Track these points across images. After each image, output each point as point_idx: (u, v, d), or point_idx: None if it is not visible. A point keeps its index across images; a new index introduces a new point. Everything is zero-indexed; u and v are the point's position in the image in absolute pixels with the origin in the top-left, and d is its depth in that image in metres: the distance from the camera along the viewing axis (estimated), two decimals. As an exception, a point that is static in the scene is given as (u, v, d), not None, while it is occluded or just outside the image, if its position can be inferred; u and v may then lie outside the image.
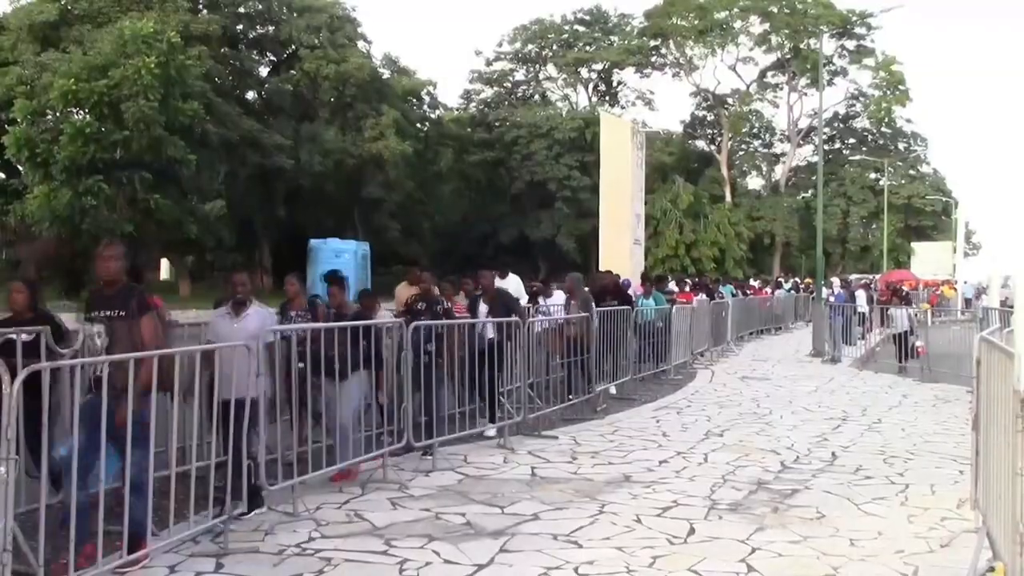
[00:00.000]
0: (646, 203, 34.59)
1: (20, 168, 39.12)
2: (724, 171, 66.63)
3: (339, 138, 48.53)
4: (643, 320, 15.38)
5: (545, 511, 7.07)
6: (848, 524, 6.77)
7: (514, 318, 10.36)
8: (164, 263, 54.61)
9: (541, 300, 14.47)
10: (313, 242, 37.29)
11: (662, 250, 57.00)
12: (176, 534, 5.86)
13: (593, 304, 12.66)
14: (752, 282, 38.48)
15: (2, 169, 47.17)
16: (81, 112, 35.30)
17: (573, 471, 8.59)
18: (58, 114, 35.31)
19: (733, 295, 25.45)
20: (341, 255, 34.82)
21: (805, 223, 63.16)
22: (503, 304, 10.67)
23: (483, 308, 10.65)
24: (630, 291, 17.06)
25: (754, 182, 74.89)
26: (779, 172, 71.22)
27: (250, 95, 52.81)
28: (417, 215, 57.99)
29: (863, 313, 24.10)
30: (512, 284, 13.74)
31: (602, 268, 19.61)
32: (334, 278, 8.96)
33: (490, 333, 10.23)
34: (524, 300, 13.78)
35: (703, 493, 7.68)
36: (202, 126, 37.29)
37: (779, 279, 42.40)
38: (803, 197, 68.20)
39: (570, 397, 11.90)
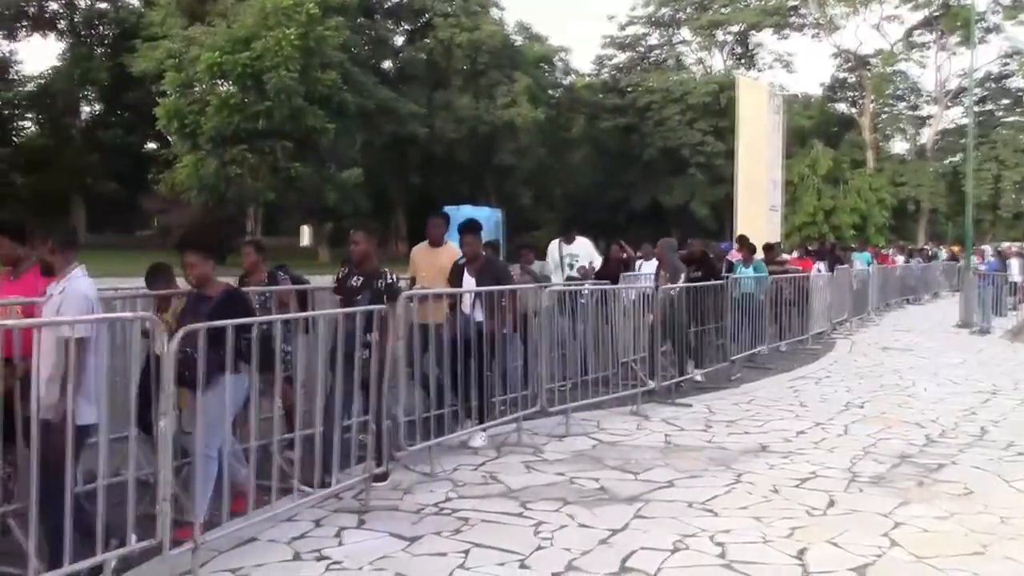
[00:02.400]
0: (783, 168, 33.71)
1: (170, 138, 40.96)
2: (866, 135, 64.20)
3: (472, 105, 48.98)
4: (740, 292, 13.05)
5: (679, 478, 7.02)
6: (998, 501, 6.49)
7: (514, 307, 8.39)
8: (305, 230, 56.39)
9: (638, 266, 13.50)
10: (446, 209, 37.78)
11: (799, 217, 55.42)
12: (320, 490, 6.05)
13: (683, 275, 11.44)
14: (882, 251, 36.78)
15: (154, 139, 49.58)
16: (226, 83, 36.66)
17: (708, 439, 8.49)
18: (204, 86, 36.73)
19: (869, 263, 24.36)
20: (474, 222, 35.24)
21: (953, 189, 60.55)
22: (493, 275, 8.34)
23: (470, 281, 8.30)
24: (728, 257, 15.75)
25: (898, 146, 72.07)
26: (925, 135, 68.23)
27: (385, 64, 53.82)
28: (549, 182, 58.18)
29: (1015, 283, 23.03)
30: (580, 249, 12.52)
31: (737, 235, 19.02)
32: (184, 242, 5.69)
33: (479, 315, 8.00)
34: (598, 263, 12.66)
35: (843, 465, 7.48)
36: (340, 96, 38.22)
37: (911, 248, 40.45)
38: (951, 161, 65.27)
39: (661, 374, 10.70)
